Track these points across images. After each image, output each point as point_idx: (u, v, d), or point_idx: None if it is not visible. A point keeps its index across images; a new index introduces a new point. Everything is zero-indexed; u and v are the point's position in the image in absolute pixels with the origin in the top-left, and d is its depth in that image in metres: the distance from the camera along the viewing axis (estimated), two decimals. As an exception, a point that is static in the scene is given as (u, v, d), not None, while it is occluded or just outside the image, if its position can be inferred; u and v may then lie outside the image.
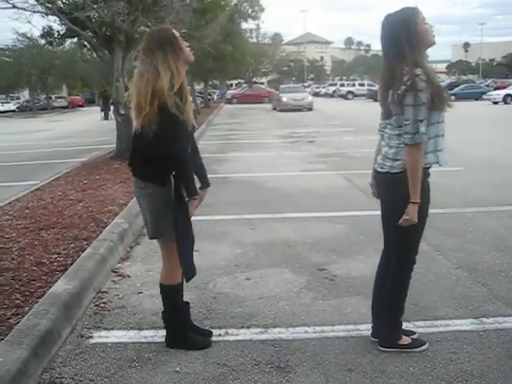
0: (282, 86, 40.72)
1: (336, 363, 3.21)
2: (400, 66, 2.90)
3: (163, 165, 3.13)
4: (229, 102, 48.92)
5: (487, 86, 50.59)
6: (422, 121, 2.86)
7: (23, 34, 38.54)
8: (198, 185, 3.35)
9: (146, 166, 3.20)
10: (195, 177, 3.33)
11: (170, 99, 2.97)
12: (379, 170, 3.19)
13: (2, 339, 3.22)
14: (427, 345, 3.33)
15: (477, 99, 40.02)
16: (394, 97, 2.92)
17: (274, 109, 35.68)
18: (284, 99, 33.67)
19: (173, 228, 3.17)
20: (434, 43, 3.00)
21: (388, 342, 3.31)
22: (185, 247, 3.26)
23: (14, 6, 10.71)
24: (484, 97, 39.01)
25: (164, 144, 3.05)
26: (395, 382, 3.00)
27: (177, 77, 3.05)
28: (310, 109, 33.29)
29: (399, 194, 3.01)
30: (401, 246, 3.21)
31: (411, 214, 2.95)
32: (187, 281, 3.37)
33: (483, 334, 3.50)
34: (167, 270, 3.39)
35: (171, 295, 3.43)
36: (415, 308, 3.90)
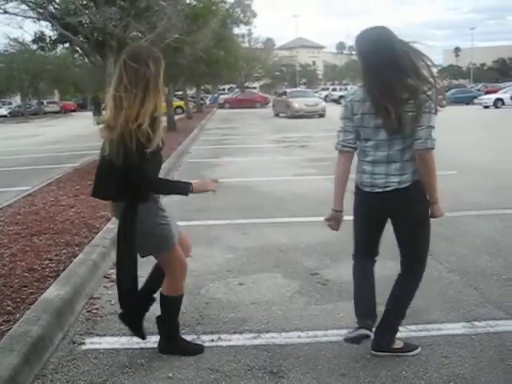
0: (289, 91, 37.71)
1: (329, 368, 3.22)
2: (408, 76, 2.90)
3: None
4: (221, 106, 48.97)
5: (478, 90, 50.90)
6: (433, 127, 2.93)
7: (15, 39, 38.46)
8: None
9: (124, 189, 2.98)
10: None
11: (143, 136, 2.78)
12: (382, 190, 3.09)
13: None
14: (419, 349, 3.33)
15: (468, 103, 40.24)
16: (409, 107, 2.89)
17: (277, 115, 33.41)
18: (296, 105, 30.73)
19: (162, 240, 3.15)
20: None
21: (381, 346, 3.31)
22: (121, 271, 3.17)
23: (6, 12, 10.71)
24: (475, 101, 39.21)
25: (134, 173, 2.88)
26: (388, 386, 3.01)
27: (158, 107, 2.88)
28: (323, 115, 30.84)
29: (419, 205, 3.11)
30: (425, 254, 3.30)
31: (440, 211, 3.12)
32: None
33: (475, 337, 3.52)
34: (170, 281, 3.34)
35: (173, 306, 3.41)
36: (408, 313, 3.90)
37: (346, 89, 59.76)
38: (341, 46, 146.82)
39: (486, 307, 3.97)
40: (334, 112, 35.13)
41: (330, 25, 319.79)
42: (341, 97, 54.67)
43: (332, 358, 3.33)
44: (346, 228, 6.41)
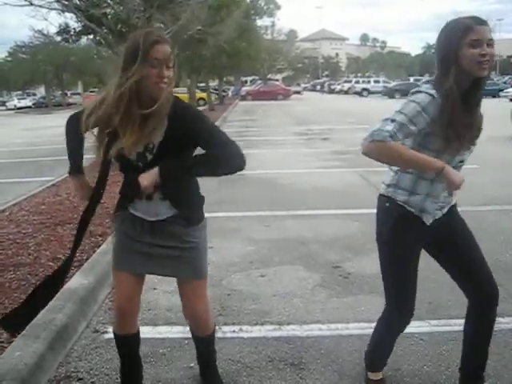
0: None
1: (350, 361, 3.21)
2: None
3: None
4: (243, 98, 48.89)
5: (505, 83, 50.00)
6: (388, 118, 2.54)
7: (39, 31, 38.75)
8: None
9: None
10: None
11: None
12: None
13: (19, 333, 3.25)
14: None
15: (494, 96, 39.54)
16: None
17: None
18: None
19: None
20: None
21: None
22: None
23: (32, 4, 10.82)
24: (501, 94, 38.54)
25: None
26: (409, 380, 3.00)
27: None
28: None
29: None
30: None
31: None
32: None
33: (498, 333, 3.47)
34: None
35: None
36: (429, 307, 3.88)
37: (369, 81, 59.36)
38: (364, 38, 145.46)
39: (510, 303, 3.92)
40: (347, 105, 34.82)
41: (353, 16, 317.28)
42: (364, 89, 54.39)
43: (353, 351, 3.33)
44: (368, 222, 6.36)
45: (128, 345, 2.78)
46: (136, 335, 2.78)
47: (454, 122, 2.33)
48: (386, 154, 2.35)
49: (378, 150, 2.34)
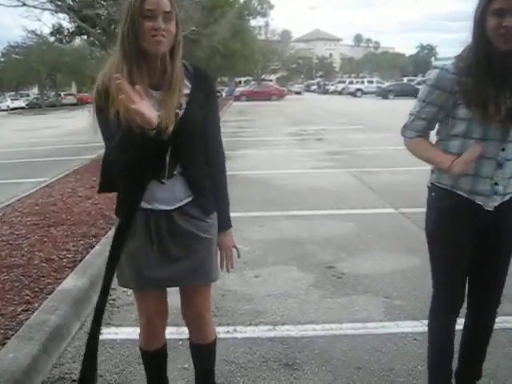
0: None
1: (344, 361, 3.22)
2: None
3: None
4: (237, 99, 48.86)
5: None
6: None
7: (33, 31, 38.69)
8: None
9: None
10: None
11: None
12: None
13: (13, 335, 3.24)
14: None
15: None
16: None
17: None
18: None
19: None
20: None
21: None
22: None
23: (25, 4, 10.79)
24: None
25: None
26: (403, 380, 3.00)
27: None
28: None
29: None
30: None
31: None
32: None
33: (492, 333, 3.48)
34: None
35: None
36: (423, 307, 3.89)
37: (363, 82, 59.45)
38: (358, 39, 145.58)
39: (503, 303, 3.92)
40: (341, 105, 34.85)
41: (347, 17, 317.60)
42: (357, 89, 54.48)
43: (347, 351, 3.33)
44: (362, 222, 6.38)
45: (158, 360, 2.55)
46: (165, 347, 2.55)
47: (472, 89, 2.16)
48: (409, 149, 2.44)
49: (405, 145, 2.45)
